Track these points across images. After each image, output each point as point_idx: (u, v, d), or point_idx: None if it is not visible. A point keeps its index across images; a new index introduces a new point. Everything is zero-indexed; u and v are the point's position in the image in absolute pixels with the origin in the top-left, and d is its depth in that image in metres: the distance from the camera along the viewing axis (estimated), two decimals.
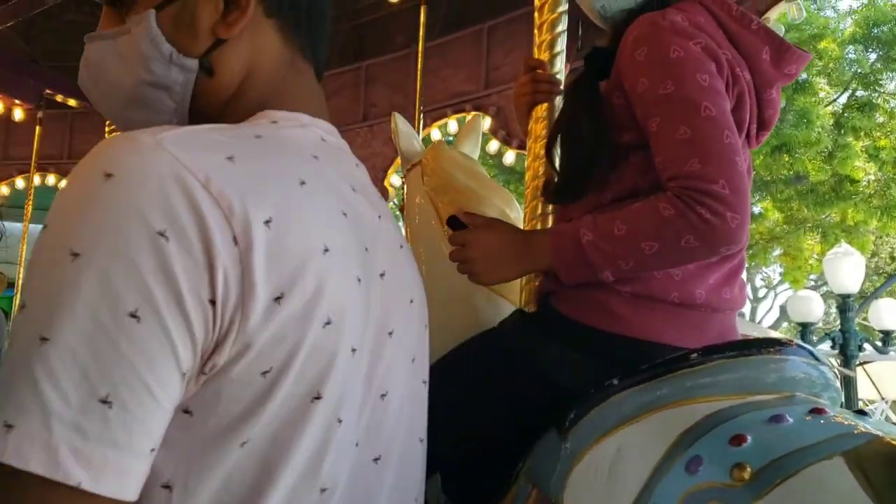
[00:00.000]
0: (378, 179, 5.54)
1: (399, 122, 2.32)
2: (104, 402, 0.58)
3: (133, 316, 0.60)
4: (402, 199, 2.47)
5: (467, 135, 2.38)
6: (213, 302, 0.63)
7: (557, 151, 1.60)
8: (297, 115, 0.87)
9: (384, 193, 5.59)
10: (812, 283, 14.55)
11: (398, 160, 5.50)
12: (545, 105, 1.77)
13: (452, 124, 5.18)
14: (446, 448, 1.56)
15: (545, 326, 1.48)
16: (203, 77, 0.85)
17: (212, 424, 0.66)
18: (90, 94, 0.91)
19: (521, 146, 4.76)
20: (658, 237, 1.27)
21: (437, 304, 2.06)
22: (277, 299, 0.67)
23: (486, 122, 4.45)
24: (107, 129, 4.81)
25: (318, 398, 0.71)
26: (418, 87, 3.88)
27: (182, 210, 0.63)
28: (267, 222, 0.66)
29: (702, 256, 1.31)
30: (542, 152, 1.72)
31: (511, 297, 1.93)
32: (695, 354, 1.28)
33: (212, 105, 0.87)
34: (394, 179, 5.58)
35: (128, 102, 0.87)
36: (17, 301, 5.71)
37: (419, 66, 3.94)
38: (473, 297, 1.98)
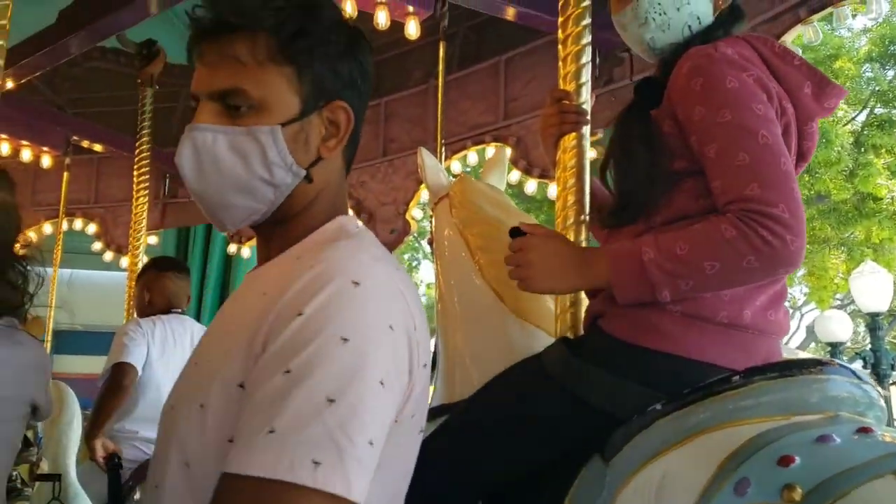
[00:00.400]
0: (400, 213, 5.58)
1: (425, 156, 2.35)
2: (371, 444, 0.84)
3: (381, 384, 0.87)
4: (431, 232, 2.49)
5: (493, 167, 2.41)
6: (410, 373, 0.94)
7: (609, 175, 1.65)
8: (352, 218, 1.13)
9: (405, 227, 5.63)
10: (838, 301, 14.37)
11: (419, 193, 5.57)
12: (573, 135, 1.79)
13: (472, 156, 5.21)
14: (488, 477, 1.56)
15: (590, 351, 1.49)
16: (301, 182, 1.05)
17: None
18: (189, 171, 1.04)
19: (543, 175, 4.77)
20: (720, 257, 1.30)
21: (470, 335, 2.09)
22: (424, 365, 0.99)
23: (507, 153, 4.49)
24: (135, 173, 4.89)
25: (422, 431, 1.08)
26: (439, 120, 3.92)
27: (404, 316, 0.95)
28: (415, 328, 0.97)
29: (760, 278, 1.35)
30: (572, 182, 1.75)
31: (545, 327, 1.93)
32: (736, 377, 1.29)
33: (297, 204, 1.08)
34: (415, 213, 5.61)
35: (236, 189, 1.03)
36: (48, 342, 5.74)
37: (439, 100, 3.99)
38: (507, 327, 1.99)
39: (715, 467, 1.18)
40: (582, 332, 1.68)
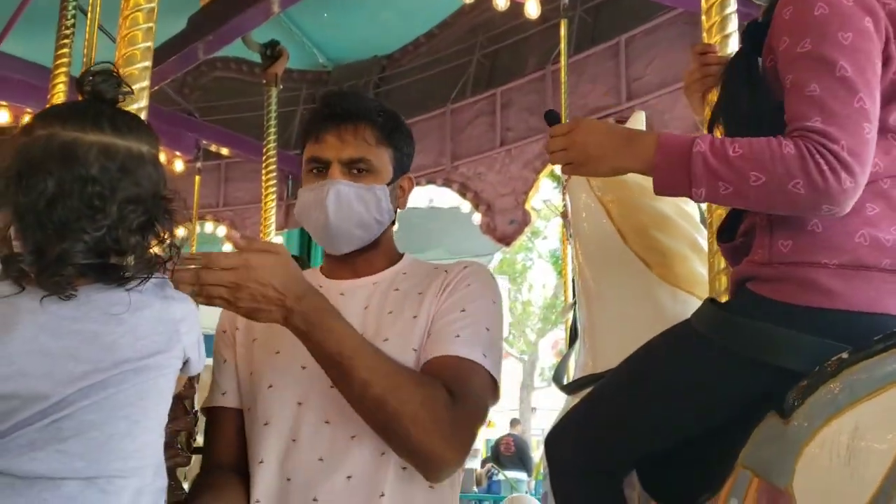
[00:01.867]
0: (518, 203, 5.53)
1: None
2: (500, 355, 1.50)
3: (501, 335, 1.54)
4: (566, 207, 2.43)
5: None
6: None
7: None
8: None
9: (525, 218, 5.58)
10: None
11: (538, 183, 5.51)
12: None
13: None
14: (645, 445, 1.50)
15: (748, 310, 1.40)
16: (389, 225, 1.56)
17: None
18: (333, 209, 1.44)
19: None
20: (769, 170, 1.24)
21: (616, 303, 2.03)
22: None
23: (643, 116, 4.37)
24: (263, 175, 5.05)
25: None
26: (563, 103, 3.85)
27: None
28: None
29: (801, 208, 1.27)
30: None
31: (696, 292, 1.85)
32: None
33: (382, 238, 1.55)
34: (534, 203, 5.55)
35: (359, 226, 1.48)
36: None
37: (563, 80, 3.92)
38: (655, 293, 1.92)
39: None
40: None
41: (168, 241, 1.10)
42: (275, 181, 5.12)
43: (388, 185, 1.50)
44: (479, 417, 1.38)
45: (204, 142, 6.19)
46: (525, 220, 5.55)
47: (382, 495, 1.31)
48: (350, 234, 1.47)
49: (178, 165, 6.14)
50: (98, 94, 1.11)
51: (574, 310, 2.30)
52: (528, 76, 5.72)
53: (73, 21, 4.06)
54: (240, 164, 7.06)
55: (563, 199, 2.41)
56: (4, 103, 5.05)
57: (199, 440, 1.58)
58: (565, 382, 2.19)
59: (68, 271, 0.99)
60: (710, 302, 1.52)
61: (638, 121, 2.34)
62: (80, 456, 0.97)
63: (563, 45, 4.01)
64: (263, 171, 5.09)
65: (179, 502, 1.42)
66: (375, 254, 1.54)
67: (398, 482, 1.33)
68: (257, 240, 1.57)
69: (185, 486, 1.52)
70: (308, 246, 7.45)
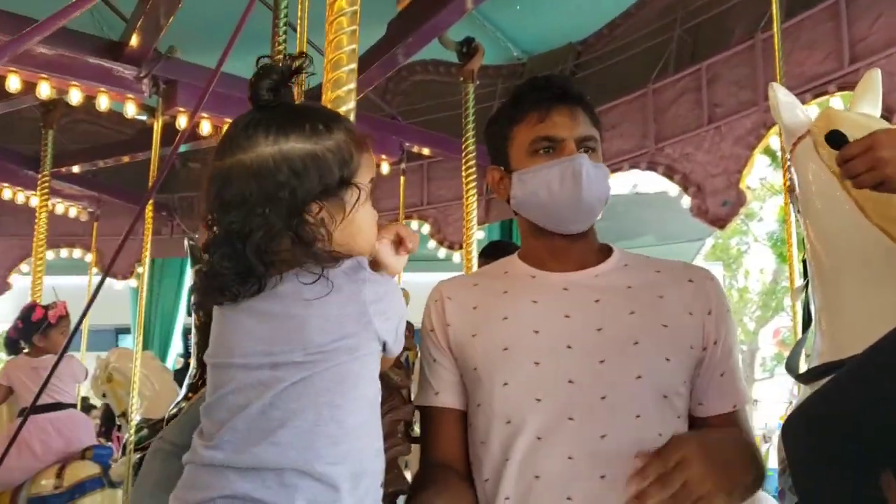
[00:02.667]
0: (732, 183, 5.20)
1: (779, 92, 2.10)
2: None
3: None
4: (791, 180, 2.22)
5: (863, 93, 2.08)
6: None
7: None
8: None
9: (740, 198, 5.23)
10: None
11: (752, 159, 5.15)
12: None
13: (814, 110, 4.68)
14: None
15: None
16: None
17: None
18: (586, 182, 1.43)
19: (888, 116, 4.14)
20: None
21: (856, 283, 1.82)
22: None
23: (878, 74, 3.94)
24: (463, 171, 5.12)
25: None
26: (778, 72, 3.54)
27: None
28: None
29: None
30: None
31: None
32: None
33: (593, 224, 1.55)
34: (750, 181, 5.19)
35: (599, 202, 1.48)
36: None
37: (776, 48, 3.61)
38: None
39: None
40: None
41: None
42: (474, 177, 5.18)
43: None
44: None
45: (407, 144, 6.39)
46: (740, 201, 5.20)
47: None
48: (593, 210, 1.47)
49: (385, 168, 6.38)
50: (258, 100, 1.13)
51: (806, 292, 2.10)
52: (735, 48, 5.35)
53: (284, 38, 4.33)
54: (441, 162, 7.23)
55: (789, 174, 2.20)
56: (230, 120, 5.49)
57: (417, 430, 1.60)
58: (800, 372, 2.00)
59: (268, 276, 1.04)
60: None
61: (872, 81, 2.09)
62: (291, 445, 1.00)
63: (774, 9, 3.69)
64: (463, 168, 5.17)
65: (402, 491, 1.44)
66: (588, 242, 1.52)
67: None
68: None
69: (407, 475, 1.54)
70: (509, 239, 7.49)
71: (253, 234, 1.02)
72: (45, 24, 1.85)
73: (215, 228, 1.07)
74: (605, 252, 1.54)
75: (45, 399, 4.56)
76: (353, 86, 1.83)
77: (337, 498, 1.01)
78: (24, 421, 3.86)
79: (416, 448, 1.56)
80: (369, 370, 1.09)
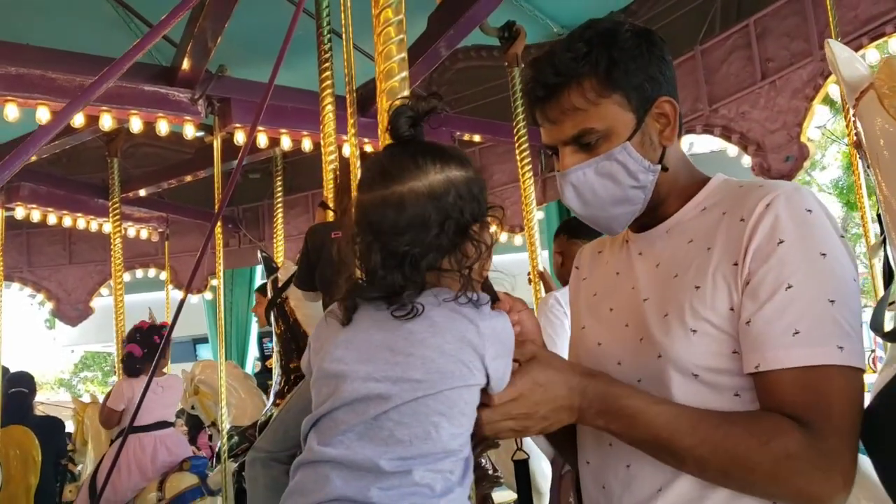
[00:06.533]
0: (793, 137, 5.08)
1: (835, 47, 2.05)
2: (860, 327, 1.10)
3: (854, 280, 1.13)
4: (857, 135, 2.18)
5: None
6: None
7: None
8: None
9: (803, 151, 5.11)
10: None
11: (811, 111, 5.02)
12: None
13: (872, 53, 4.53)
14: None
15: None
16: (661, 174, 1.27)
17: None
18: (576, 206, 1.28)
19: None
20: None
21: None
22: None
23: None
24: (518, 157, 5.13)
25: None
26: (831, 20, 3.46)
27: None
28: None
29: None
30: None
31: None
32: None
33: (664, 189, 1.29)
34: (811, 133, 5.07)
35: (614, 203, 1.27)
36: None
37: None
38: None
39: None
40: None
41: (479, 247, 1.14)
42: (529, 158, 5.19)
43: (633, 134, 1.23)
44: (854, 439, 1.10)
45: (457, 133, 6.41)
46: (803, 155, 5.08)
47: None
48: (610, 217, 1.29)
49: None
50: (396, 136, 1.18)
51: (884, 247, 2.06)
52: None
53: (329, 45, 4.40)
54: (493, 147, 7.23)
55: (854, 127, 2.15)
56: (285, 131, 5.62)
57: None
58: (887, 329, 1.96)
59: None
60: None
61: None
62: (398, 453, 1.07)
63: None
64: (517, 150, 5.18)
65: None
66: (668, 205, 1.30)
67: None
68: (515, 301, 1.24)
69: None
70: (568, 215, 7.46)
71: (427, 253, 1.09)
72: (120, 61, 1.94)
73: (370, 251, 1.12)
74: (698, 186, 1.31)
75: (154, 417, 4.81)
76: (406, 92, 1.89)
77: (434, 500, 1.08)
78: (123, 439, 4.06)
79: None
80: (475, 398, 1.13)
